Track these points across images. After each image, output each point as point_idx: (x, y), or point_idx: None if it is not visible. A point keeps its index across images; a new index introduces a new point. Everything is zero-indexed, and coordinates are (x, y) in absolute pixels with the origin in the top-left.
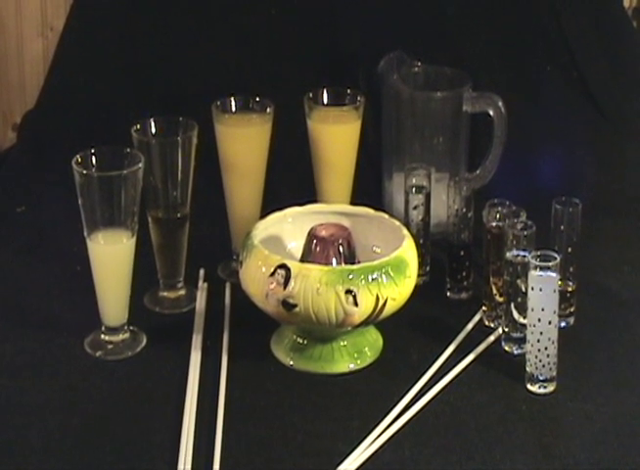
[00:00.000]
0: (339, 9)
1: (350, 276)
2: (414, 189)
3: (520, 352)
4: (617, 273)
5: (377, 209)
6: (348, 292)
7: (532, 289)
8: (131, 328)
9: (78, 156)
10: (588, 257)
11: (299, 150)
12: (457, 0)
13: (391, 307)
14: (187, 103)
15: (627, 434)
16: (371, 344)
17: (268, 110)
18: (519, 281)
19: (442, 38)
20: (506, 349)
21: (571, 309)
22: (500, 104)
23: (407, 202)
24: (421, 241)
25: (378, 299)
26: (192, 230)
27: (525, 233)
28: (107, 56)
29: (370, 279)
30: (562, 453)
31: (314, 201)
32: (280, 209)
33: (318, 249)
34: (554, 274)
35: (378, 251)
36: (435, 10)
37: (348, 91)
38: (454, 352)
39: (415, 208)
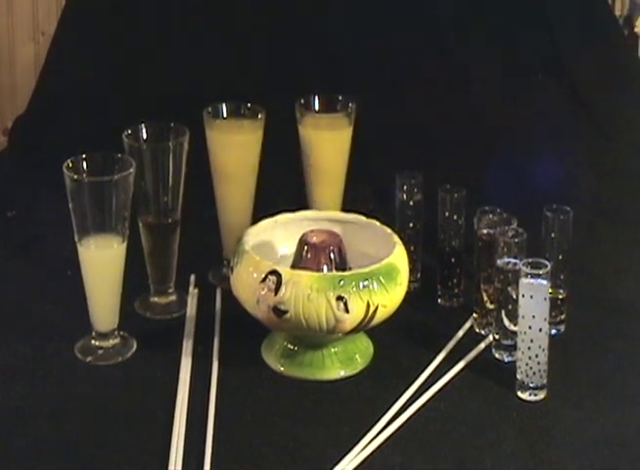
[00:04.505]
0: (331, 15)
1: (341, 283)
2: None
3: (510, 359)
4: (608, 281)
5: (368, 216)
6: (339, 298)
7: (523, 296)
8: (122, 333)
9: (69, 161)
10: (579, 264)
11: (291, 156)
12: (454, 13)
13: (382, 314)
14: (178, 108)
15: (618, 441)
16: (362, 350)
17: (259, 116)
18: (509, 288)
19: (437, 46)
20: (497, 356)
21: (562, 317)
22: None
23: (400, 208)
24: (412, 248)
25: (369, 305)
26: (183, 236)
27: (516, 240)
28: (98, 61)
29: (361, 286)
30: (552, 461)
31: (305, 207)
32: (271, 215)
33: (309, 255)
34: (545, 282)
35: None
36: (431, 18)
37: (340, 97)
38: (445, 359)
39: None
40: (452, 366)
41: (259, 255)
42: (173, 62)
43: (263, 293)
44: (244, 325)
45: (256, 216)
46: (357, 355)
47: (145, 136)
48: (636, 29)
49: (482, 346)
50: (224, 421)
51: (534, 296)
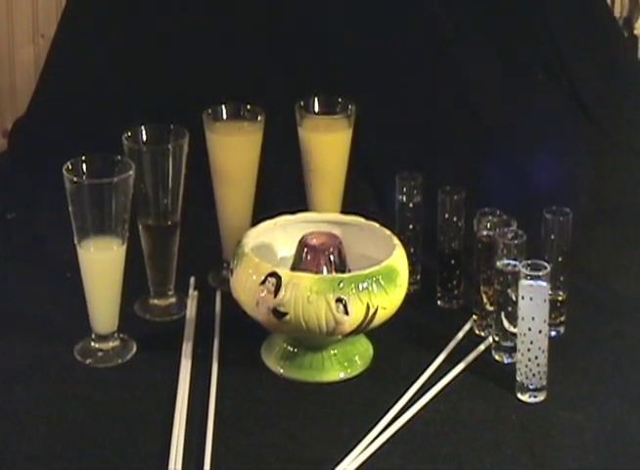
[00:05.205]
0: (331, 15)
1: (341, 285)
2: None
3: (510, 361)
4: (607, 282)
5: (368, 217)
6: (339, 300)
7: (523, 298)
8: (121, 336)
9: (69, 163)
10: (579, 266)
11: (290, 158)
12: (454, 12)
13: (382, 316)
14: (178, 110)
15: (618, 443)
16: (361, 352)
17: (259, 118)
18: (509, 290)
19: (437, 46)
20: (496, 358)
21: (562, 319)
22: None
23: (399, 210)
24: (412, 250)
25: (368, 307)
26: (182, 238)
27: (516, 242)
28: (98, 63)
29: (360, 288)
30: (552, 463)
31: (305, 209)
32: (271, 217)
33: (309, 257)
34: (544, 283)
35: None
36: (431, 18)
37: (340, 100)
38: (444, 360)
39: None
40: (452, 368)
41: (259, 257)
42: (173, 63)
43: (263, 295)
44: (243, 327)
45: (256, 218)
46: (357, 357)
47: (145, 138)
48: (636, 31)
49: (482, 347)
50: (224, 423)
51: (534, 297)
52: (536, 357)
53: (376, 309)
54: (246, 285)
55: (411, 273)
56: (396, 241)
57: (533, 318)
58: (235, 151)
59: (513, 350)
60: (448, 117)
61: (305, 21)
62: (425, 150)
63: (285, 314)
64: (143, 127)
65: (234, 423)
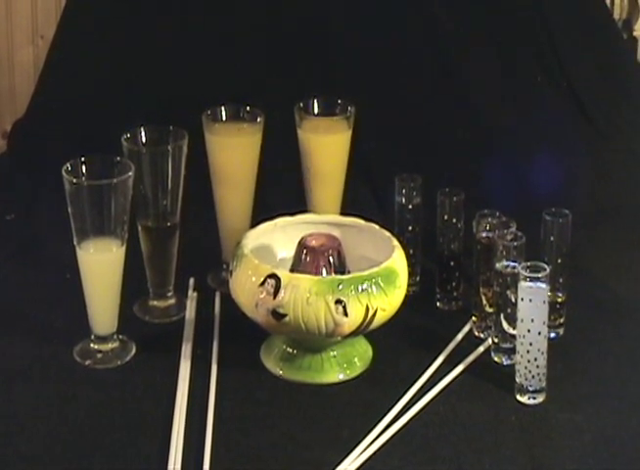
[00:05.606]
0: (331, 18)
1: (340, 286)
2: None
3: (509, 362)
4: (607, 283)
5: (367, 219)
6: (338, 302)
7: (522, 300)
8: (120, 337)
9: (68, 164)
10: (578, 267)
11: (290, 159)
12: (454, 12)
13: (381, 318)
14: (177, 112)
15: (616, 445)
16: (361, 354)
17: (259, 119)
18: (508, 292)
19: (437, 46)
20: (496, 359)
21: (561, 320)
22: None
23: (399, 211)
24: (411, 251)
25: (368, 309)
26: (182, 239)
27: (515, 244)
28: (97, 63)
29: (360, 289)
30: (551, 464)
31: (305, 211)
32: (270, 218)
33: (308, 259)
34: (544, 285)
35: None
36: (431, 18)
37: (339, 101)
38: (444, 362)
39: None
40: (451, 370)
41: (258, 258)
42: (173, 65)
43: (262, 296)
44: (243, 329)
45: (255, 220)
46: (356, 359)
47: (144, 140)
48: (635, 33)
49: (481, 349)
50: (223, 425)
51: (533, 299)
52: (535, 359)
53: (375, 311)
54: (245, 286)
55: (410, 275)
56: (396, 242)
57: (533, 320)
58: (234, 152)
59: (512, 351)
60: (448, 117)
61: (305, 21)
62: (425, 151)
63: (284, 316)
64: (142, 129)
65: (233, 424)
